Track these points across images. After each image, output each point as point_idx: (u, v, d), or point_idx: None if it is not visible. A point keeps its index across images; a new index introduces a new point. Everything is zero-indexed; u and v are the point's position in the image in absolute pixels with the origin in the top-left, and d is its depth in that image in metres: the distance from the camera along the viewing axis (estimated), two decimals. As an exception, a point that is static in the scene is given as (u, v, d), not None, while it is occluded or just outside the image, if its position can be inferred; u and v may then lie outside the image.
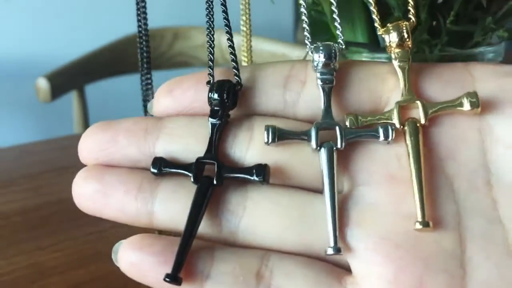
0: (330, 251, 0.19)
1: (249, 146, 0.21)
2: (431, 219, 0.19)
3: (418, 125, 0.19)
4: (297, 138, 0.20)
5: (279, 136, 0.20)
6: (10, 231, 0.51)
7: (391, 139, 0.19)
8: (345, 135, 0.19)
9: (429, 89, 0.20)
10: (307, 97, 0.21)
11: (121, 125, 0.22)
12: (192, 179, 0.20)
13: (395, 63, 0.21)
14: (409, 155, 0.19)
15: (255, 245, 0.21)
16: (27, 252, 0.48)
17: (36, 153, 0.69)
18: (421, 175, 0.19)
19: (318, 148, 0.20)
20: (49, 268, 0.46)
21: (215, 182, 0.20)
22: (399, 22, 0.22)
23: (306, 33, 0.22)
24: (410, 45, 0.21)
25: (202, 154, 0.21)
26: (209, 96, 0.21)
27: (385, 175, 0.19)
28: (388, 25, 0.21)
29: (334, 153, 0.19)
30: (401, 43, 0.21)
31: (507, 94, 0.19)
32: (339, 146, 0.19)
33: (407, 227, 0.19)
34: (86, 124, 1.08)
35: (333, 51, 0.21)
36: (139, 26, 0.30)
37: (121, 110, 1.30)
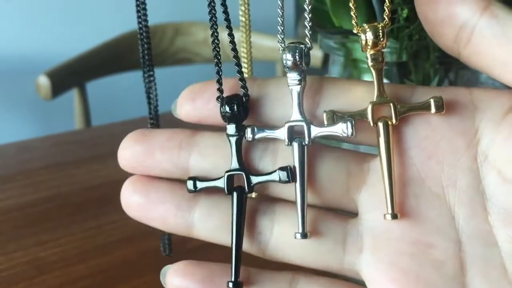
0: (298, 236, 0.22)
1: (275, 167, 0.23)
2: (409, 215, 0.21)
3: (389, 123, 0.21)
4: (272, 135, 0.22)
5: (257, 133, 0.22)
6: (9, 227, 0.51)
7: (352, 134, 0.21)
8: (311, 132, 0.21)
9: (429, 114, 0.21)
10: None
11: (156, 140, 0.24)
12: (226, 191, 0.22)
13: (369, 63, 0.22)
14: (379, 150, 0.21)
15: (281, 261, 0.24)
16: (27, 248, 0.48)
17: (35, 149, 0.68)
18: (391, 169, 0.20)
19: (289, 143, 0.22)
20: (49, 263, 0.45)
21: (246, 190, 0.22)
22: (375, 23, 0.22)
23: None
24: (384, 46, 0.22)
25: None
26: (221, 110, 0.22)
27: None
28: (364, 25, 0.22)
29: (305, 148, 0.21)
30: (375, 43, 0.22)
31: (505, 128, 0.20)
32: (306, 142, 0.21)
33: (413, 253, 0.21)
34: (87, 121, 1.08)
35: (298, 52, 0.22)
36: (139, 23, 0.30)
37: (122, 107, 1.30)
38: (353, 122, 0.21)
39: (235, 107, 0.22)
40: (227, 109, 0.22)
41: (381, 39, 0.21)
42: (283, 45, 0.22)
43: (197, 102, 0.23)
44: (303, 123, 0.21)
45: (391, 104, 0.21)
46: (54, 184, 0.58)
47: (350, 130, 0.21)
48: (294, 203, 0.22)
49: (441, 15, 0.20)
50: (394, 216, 0.20)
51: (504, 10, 0.19)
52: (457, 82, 0.37)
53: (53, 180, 0.59)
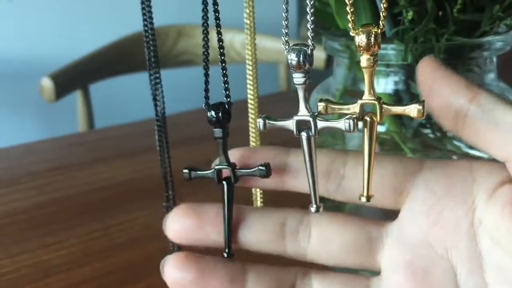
0: (312, 209, 0.25)
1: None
2: None
3: (374, 119, 0.23)
4: (282, 125, 0.24)
5: (268, 123, 0.24)
6: (14, 229, 0.51)
7: (354, 131, 0.23)
8: (317, 125, 0.24)
9: (434, 186, 0.24)
10: None
11: (206, 215, 0.26)
12: (216, 181, 0.26)
13: (361, 65, 0.23)
14: (363, 141, 0.23)
15: (320, 263, 0.26)
16: (32, 250, 0.48)
17: (39, 151, 0.68)
18: (371, 159, 0.23)
19: (298, 134, 0.24)
20: (54, 266, 0.45)
21: (233, 180, 0.26)
22: (370, 27, 0.23)
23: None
24: (375, 51, 0.23)
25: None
26: (207, 116, 0.25)
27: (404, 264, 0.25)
28: (360, 28, 0.23)
29: (311, 138, 0.24)
30: (368, 47, 0.22)
31: (500, 198, 0.23)
32: (312, 133, 0.24)
33: None
34: (91, 124, 1.08)
35: (302, 53, 0.23)
36: (145, 25, 0.30)
37: (125, 109, 1.30)
38: (355, 120, 0.23)
39: (220, 113, 0.25)
40: (213, 114, 0.25)
41: (373, 44, 0.22)
42: (287, 46, 0.23)
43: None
44: (310, 118, 0.24)
45: (376, 103, 0.23)
46: (59, 186, 0.59)
47: (352, 127, 0.23)
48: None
49: (440, 104, 0.23)
50: (368, 199, 0.24)
51: (489, 98, 0.22)
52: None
53: (57, 182, 0.59)
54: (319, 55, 1.10)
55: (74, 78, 1.06)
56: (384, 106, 0.23)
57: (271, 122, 0.24)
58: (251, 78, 0.33)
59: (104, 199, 0.56)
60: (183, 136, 0.71)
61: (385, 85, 0.36)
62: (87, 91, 1.07)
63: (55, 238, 0.49)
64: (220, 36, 0.25)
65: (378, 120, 0.23)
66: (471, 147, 0.38)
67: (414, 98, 0.35)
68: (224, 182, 0.26)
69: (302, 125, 0.24)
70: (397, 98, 0.36)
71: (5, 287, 0.43)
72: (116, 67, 1.12)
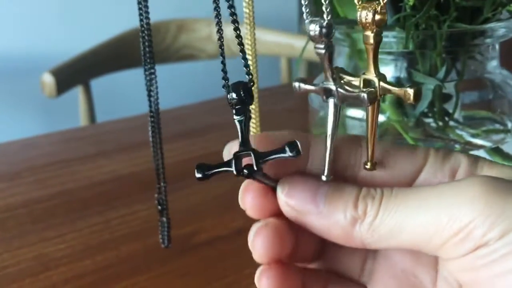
0: (324, 178, 0.24)
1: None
2: None
3: (376, 94, 0.23)
4: (314, 90, 0.24)
5: (302, 86, 0.24)
6: (14, 224, 0.51)
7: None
8: (339, 94, 0.23)
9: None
10: None
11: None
12: (234, 172, 0.22)
13: (365, 41, 0.23)
14: (367, 113, 0.24)
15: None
16: (32, 244, 0.47)
17: (39, 146, 0.68)
18: (374, 130, 0.24)
19: (326, 100, 0.24)
20: (54, 260, 0.45)
21: (255, 168, 0.22)
22: (372, 3, 0.23)
23: (304, 9, 0.23)
24: (373, 30, 0.23)
25: None
26: (228, 97, 0.23)
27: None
28: (364, 4, 0.23)
29: (338, 105, 0.24)
30: (370, 22, 0.23)
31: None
32: (336, 102, 0.24)
33: None
34: (92, 119, 1.07)
35: (319, 24, 0.22)
36: (141, 20, 0.30)
37: (126, 105, 1.30)
38: (369, 95, 0.23)
39: (242, 93, 0.23)
40: (234, 95, 0.23)
41: (375, 19, 0.22)
42: (307, 18, 0.23)
43: None
44: (333, 87, 0.23)
45: (376, 80, 0.23)
46: (59, 180, 0.58)
47: (365, 101, 0.23)
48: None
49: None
50: (373, 167, 0.24)
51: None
52: (464, 71, 0.36)
53: (58, 176, 0.59)
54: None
55: (75, 74, 1.05)
56: (382, 83, 0.23)
57: (305, 86, 0.24)
58: (251, 70, 0.33)
59: (105, 193, 0.56)
60: (183, 129, 0.70)
61: (387, 73, 0.36)
62: (88, 86, 1.07)
63: (56, 232, 0.49)
64: (237, 25, 0.24)
65: (378, 96, 0.23)
66: (473, 136, 0.38)
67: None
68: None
69: (329, 93, 0.24)
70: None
71: (5, 280, 0.43)
72: (117, 62, 1.12)
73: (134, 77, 1.23)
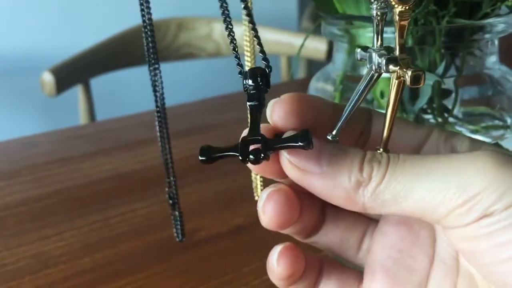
0: (329, 136, 0.23)
1: None
2: None
3: (401, 78, 0.22)
4: (365, 57, 0.23)
5: (362, 54, 0.24)
6: (14, 222, 0.51)
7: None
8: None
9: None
10: None
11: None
12: (240, 158, 0.21)
13: (395, 18, 0.22)
14: (389, 96, 0.23)
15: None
16: (31, 242, 0.47)
17: (39, 144, 0.68)
18: (393, 114, 0.23)
19: (369, 66, 0.23)
20: (54, 257, 0.45)
21: (262, 155, 0.21)
22: None
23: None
24: (408, 8, 0.22)
25: None
26: (244, 83, 0.22)
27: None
28: None
29: (374, 78, 0.23)
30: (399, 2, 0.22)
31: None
32: (373, 69, 0.23)
33: None
34: (92, 118, 1.07)
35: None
36: (143, 15, 0.30)
37: (126, 103, 1.30)
38: (386, 60, 0.22)
39: (259, 79, 0.22)
40: (250, 82, 0.22)
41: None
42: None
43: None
44: (375, 53, 0.23)
45: (403, 61, 0.22)
46: (58, 178, 0.58)
47: (383, 66, 0.22)
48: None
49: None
50: (387, 151, 0.23)
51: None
52: (463, 67, 0.36)
53: (57, 174, 0.59)
54: (321, 47, 1.10)
55: (74, 73, 1.05)
56: (407, 66, 0.22)
57: (364, 53, 0.23)
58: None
59: (104, 191, 0.56)
60: (183, 127, 0.70)
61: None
62: (88, 85, 1.07)
63: (55, 230, 0.49)
64: (251, 18, 0.24)
65: (405, 79, 0.22)
66: (472, 132, 0.37)
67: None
68: (251, 156, 0.21)
69: (371, 60, 0.23)
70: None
71: (5, 278, 0.43)
72: (116, 61, 1.12)
73: (133, 76, 1.23)
